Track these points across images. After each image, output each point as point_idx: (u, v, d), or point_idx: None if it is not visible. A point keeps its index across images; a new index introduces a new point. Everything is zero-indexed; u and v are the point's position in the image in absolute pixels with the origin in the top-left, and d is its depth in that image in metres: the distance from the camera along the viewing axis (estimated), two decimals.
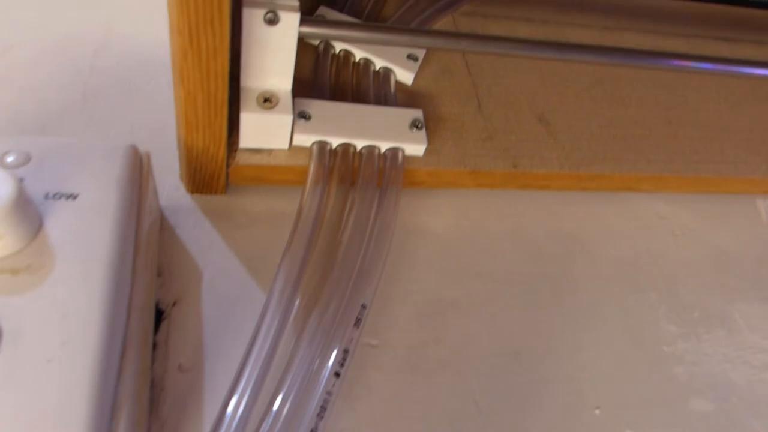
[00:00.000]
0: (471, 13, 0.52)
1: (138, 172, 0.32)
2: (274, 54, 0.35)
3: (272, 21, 0.33)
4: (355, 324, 0.34)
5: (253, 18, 0.33)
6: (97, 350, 0.24)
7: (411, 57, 0.45)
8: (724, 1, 0.58)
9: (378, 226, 0.38)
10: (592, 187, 0.46)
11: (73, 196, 0.28)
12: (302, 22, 0.34)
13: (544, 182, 0.45)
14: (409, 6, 0.49)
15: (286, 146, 0.39)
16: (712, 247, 0.47)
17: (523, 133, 0.45)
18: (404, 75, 0.45)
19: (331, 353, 0.32)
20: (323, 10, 0.46)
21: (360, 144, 0.39)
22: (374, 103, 0.42)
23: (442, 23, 0.50)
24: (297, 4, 0.34)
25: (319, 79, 0.43)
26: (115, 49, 0.46)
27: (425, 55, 0.46)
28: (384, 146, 0.40)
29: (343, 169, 0.39)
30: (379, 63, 0.44)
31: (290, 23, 0.34)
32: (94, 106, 0.43)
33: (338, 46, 0.44)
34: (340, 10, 0.47)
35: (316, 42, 0.45)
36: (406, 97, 0.44)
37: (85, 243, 0.27)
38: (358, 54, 0.44)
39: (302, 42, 0.45)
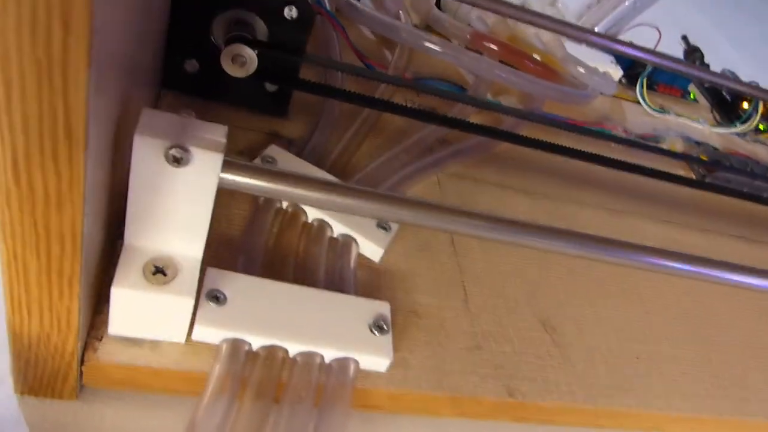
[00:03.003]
0: (460, 176, 0.42)
1: None
2: (179, 207, 0.23)
3: (179, 160, 0.21)
4: None
5: (147, 152, 0.21)
6: None
7: (382, 225, 0.34)
8: (745, 196, 0.51)
9: None
10: (610, 425, 0.34)
11: None
12: (227, 167, 0.23)
13: (548, 417, 0.32)
14: (386, 160, 0.39)
15: (181, 338, 0.26)
16: None
17: (522, 343, 0.33)
18: (370, 248, 0.33)
19: None
20: (274, 150, 0.35)
21: (294, 348, 0.27)
22: (324, 282, 0.30)
23: (425, 185, 0.40)
24: (222, 141, 0.22)
25: (252, 239, 0.31)
26: None
27: (400, 225, 0.35)
28: (330, 354, 0.27)
29: (264, 380, 0.26)
30: (338, 228, 0.33)
31: (207, 167, 0.22)
32: None
33: None
34: (298, 154, 0.36)
35: None
36: (369, 278, 0.32)
37: None
38: (312, 213, 0.33)
39: None
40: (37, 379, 0.25)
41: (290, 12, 0.34)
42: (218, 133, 0.23)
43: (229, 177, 0.23)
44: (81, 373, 0.25)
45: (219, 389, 0.25)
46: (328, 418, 0.26)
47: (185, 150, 0.21)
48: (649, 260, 0.30)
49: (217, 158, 0.22)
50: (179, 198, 0.23)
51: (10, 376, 0.25)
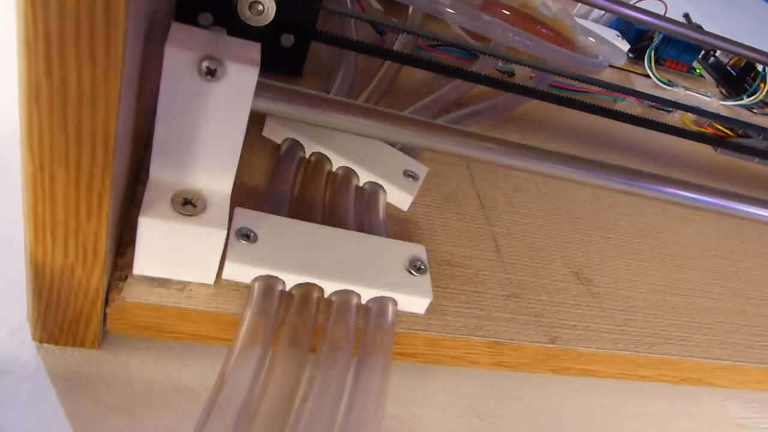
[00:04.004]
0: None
1: None
2: (210, 128, 0.22)
3: (212, 73, 0.20)
4: None
5: (178, 64, 0.20)
6: None
7: (409, 174, 0.32)
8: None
9: (353, 421, 0.23)
10: (651, 376, 0.32)
11: None
12: (260, 87, 0.21)
13: (590, 366, 0.31)
14: (414, 111, 0.38)
15: (210, 280, 0.24)
16: None
17: (558, 293, 0.32)
18: (398, 196, 0.32)
19: None
20: None
21: (330, 287, 0.25)
22: (355, 229, 0.29)
23: None
24: (257, 56, 0.21)
25: (277, 189, 0.29)
26: None
27: (426, 177, 0.34)
28: (367, 294, 0.26)
29: (300, 324, 0.24)
30: (364, 176, 0.31)
31: (242, 82, 0.21)
32: None
33: (309, 148, 0.32)
34: None
35: (278, 140, 0.32)
36: (398, 227, 0.31)
37: None
38: (337, 161, 0.32)
39: (258, 137, 0.32)
40: (57, 324, 0.23)
41: None
42: (252, 49, 0.21)
43: (264, 97, 0.22)
44: (105, 316, 0.23)
45: (251, 336, 0.23)
46: (368, 370, 0.24)
47: (219, 62, 0.20)
48: (677, 192, 0.30)
49: (253, 72, 0.21)
50: (211, 117, 0.21)
51: (28, 323, 0.24)
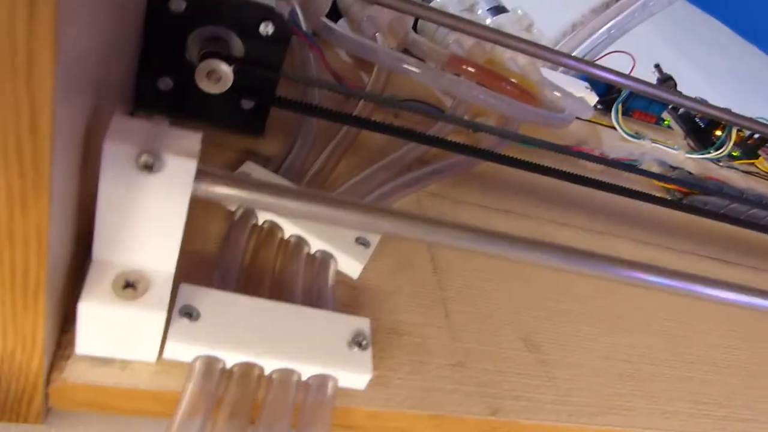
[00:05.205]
0: (440, 196, 0.42)
1: None
2: (150, 217, 0.22)
3: (150, 167, 0.21)
4: None
5: (117, 158, 0.21)
6: None
7: (361, 241, 0.33)
8: (722, 218, 0.51)
9: None
10: None
11: None
12: (201, 175, 0.22)
13: None
14: (364, 177, 0.39)
15: (152, 358, 0.25)
16: None
17: (505, 362, 0.32)
18: (349, 264, 0.32)
19: None
20: (250, 167, 0.34)
21: (270, 365, 0.26)
22: (302, 299, 0.29)
23: (404, 203, 0.40)
24: (196, 147, 0.22)
25: (228, 257, 0.30)
26: None
27: (379, 241, 0.35)
28: (307, 371, 0.26)
29: (239, 401, 0.25)
30: (315, 244, 0.32)
31: (180, 174, 0.21)
32: None
33: (262, 216, 0.32)
34: (274, 171, 0.36)
35: (232, 207, 0.33)
36: (348, 295, 0.32)
37: None
38: (289, 229, 0.32)
39: (212, 202, 0.33)
40: (0, 403, 0.23)
41: (266, 28, 0.34)
42: (192, 139, 0.22)
43: (204, 186, 0.22)
44: (47, 395, 0.24)
45: (191, 410, 0.24)
46: None
47: (157, 156, 0.21)
48: (629, 274, 0.30)
49: (191, 165, 0.21)
50: (151, 208, 0.22)
51: None
